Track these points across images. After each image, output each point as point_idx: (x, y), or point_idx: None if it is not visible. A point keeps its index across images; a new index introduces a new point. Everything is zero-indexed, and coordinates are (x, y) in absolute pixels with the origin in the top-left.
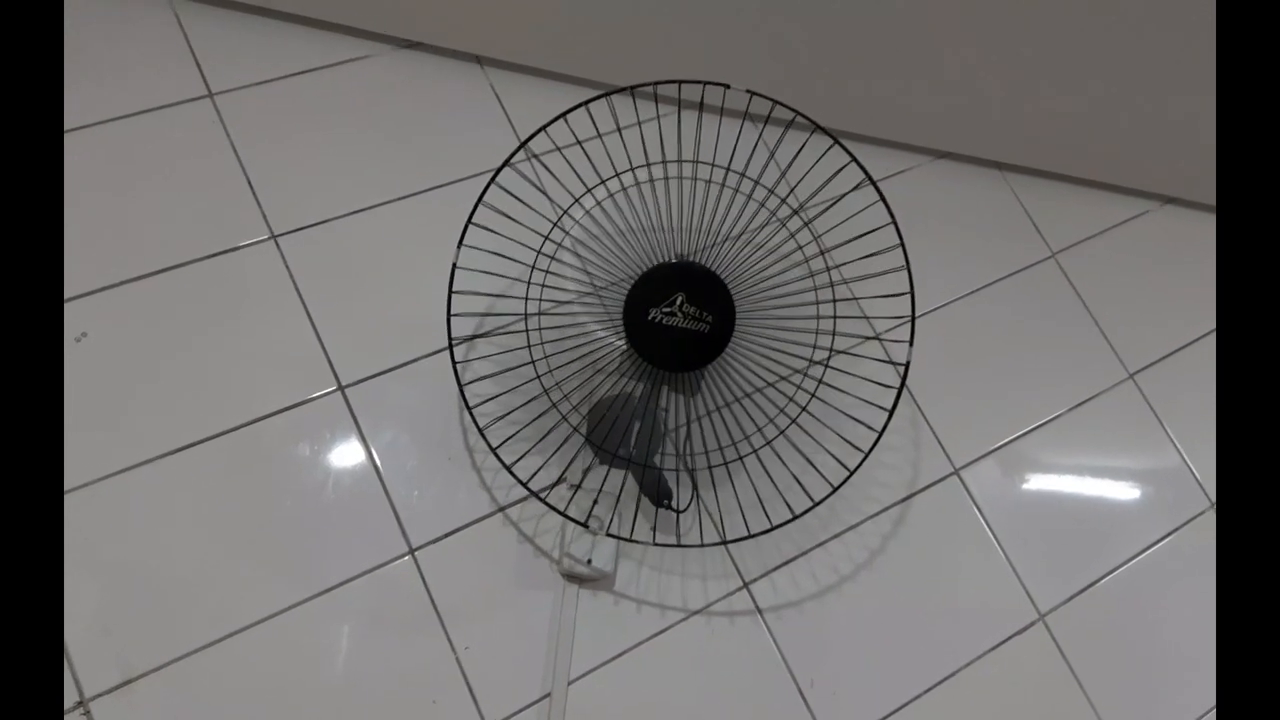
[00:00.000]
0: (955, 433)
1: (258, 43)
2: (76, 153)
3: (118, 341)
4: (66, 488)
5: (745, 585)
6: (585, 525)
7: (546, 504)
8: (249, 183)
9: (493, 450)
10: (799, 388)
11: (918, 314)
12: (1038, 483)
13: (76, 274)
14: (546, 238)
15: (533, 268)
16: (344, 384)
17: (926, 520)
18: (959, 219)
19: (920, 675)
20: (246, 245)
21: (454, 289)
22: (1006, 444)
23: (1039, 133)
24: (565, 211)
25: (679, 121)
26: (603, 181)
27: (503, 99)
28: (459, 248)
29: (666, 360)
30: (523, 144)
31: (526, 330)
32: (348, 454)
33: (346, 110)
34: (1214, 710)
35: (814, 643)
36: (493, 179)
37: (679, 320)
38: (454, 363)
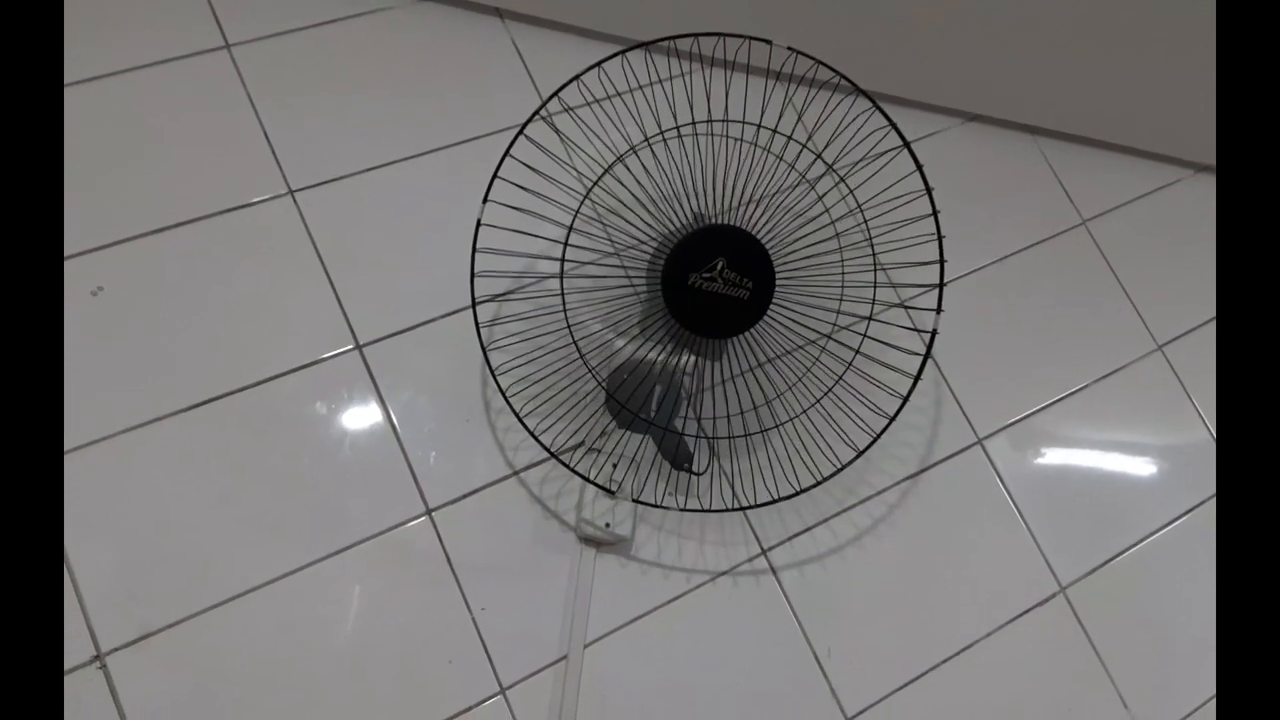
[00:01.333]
0: (979, 402)
1: None
2: (92, 104)
3: (134, 296)
4: (82, 443)
5: (764, 552)
6: (611, 492)
7: (570, 469)
8: (266, 136)
9: (516, 414)
10: (821, 353)
11: (944, 281)
12: (1062, 455)
13: (92, 228)
14: (586, 197)
15: (569, 228)
16: (362, 343)
17: (948, 490)
18: (989, 183)
19: (939, 645)
20: (263, 200)
21: (477, 247)
22: (1031, 415)
23: (1072, 96)
24: (600, 178)
25: (708, 78)
26: (632, 148)
27: (523, 53)
28: (484, 203)
29: (704, 326)
30: (554, 93)
31: (562, 292)
32: (365, 414)
33: (365, 63)
34: None
35: (832, 611)
36: (520, 131)
37: (719, 286)
38: (477, 324)
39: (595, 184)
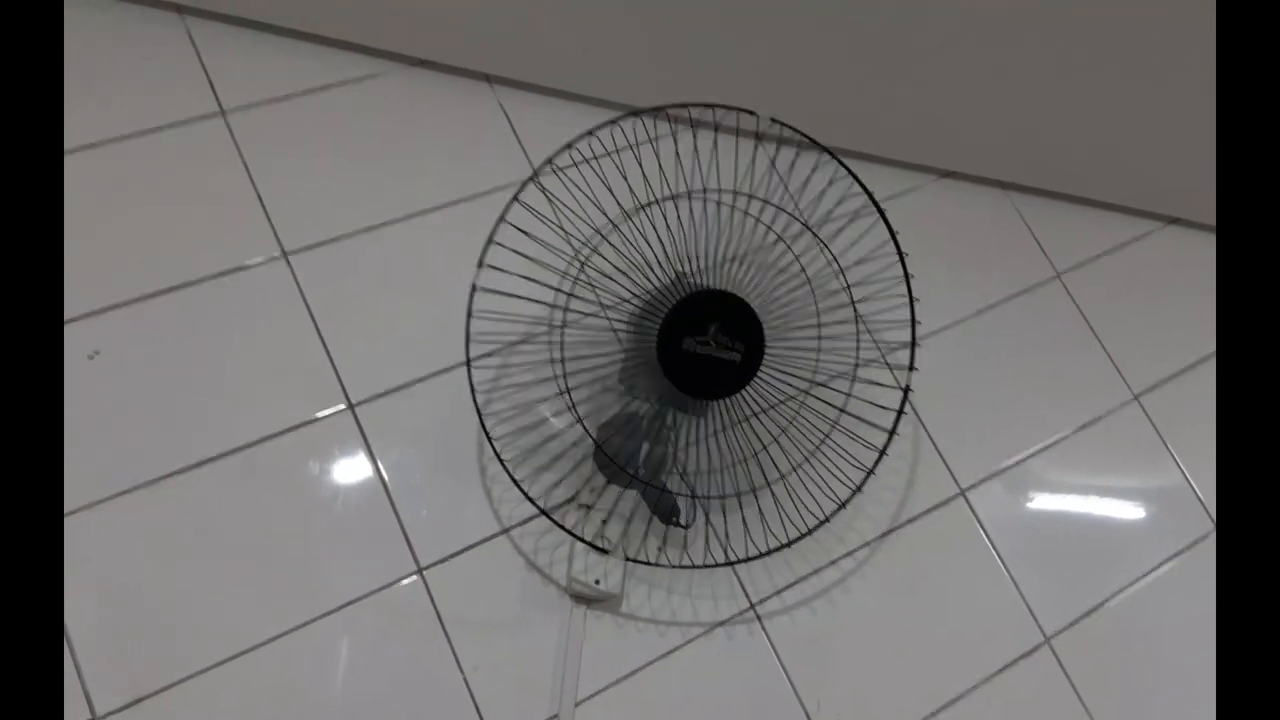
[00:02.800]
0: (960, 453)
1: (269, 60)
2: (90, 170)
3: (130, 359)
4: (77, 506)
5: (752, 606)
6: (605, 551)
7: (564, 528)
8: (260, 200)
9: (511, 477)
10: (800, 407)
11: (923, 334)
12: (1043, 504)
13: (89, 291)
14: (583, 268)
15: (571, 285)
16: (354, 402)
17: (932, 541)
18: (964, 238)
19: (927, 697)
20: (258, 263)
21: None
22: (1012, 465)
23: (1043, 153)
24: (594, 238)
25: (694, 138)
26: (627, 214)
27: (511, 117)
28: (479, 267)
29: (698, 389)
30: (548, 160)
31: (562, 354)
32: (357, 472)
33: (357, 128)
34: None
35: (821, 664)
36: (515, 196)
37: (712, 349)
38: (471, 386)
39: (593, 252)
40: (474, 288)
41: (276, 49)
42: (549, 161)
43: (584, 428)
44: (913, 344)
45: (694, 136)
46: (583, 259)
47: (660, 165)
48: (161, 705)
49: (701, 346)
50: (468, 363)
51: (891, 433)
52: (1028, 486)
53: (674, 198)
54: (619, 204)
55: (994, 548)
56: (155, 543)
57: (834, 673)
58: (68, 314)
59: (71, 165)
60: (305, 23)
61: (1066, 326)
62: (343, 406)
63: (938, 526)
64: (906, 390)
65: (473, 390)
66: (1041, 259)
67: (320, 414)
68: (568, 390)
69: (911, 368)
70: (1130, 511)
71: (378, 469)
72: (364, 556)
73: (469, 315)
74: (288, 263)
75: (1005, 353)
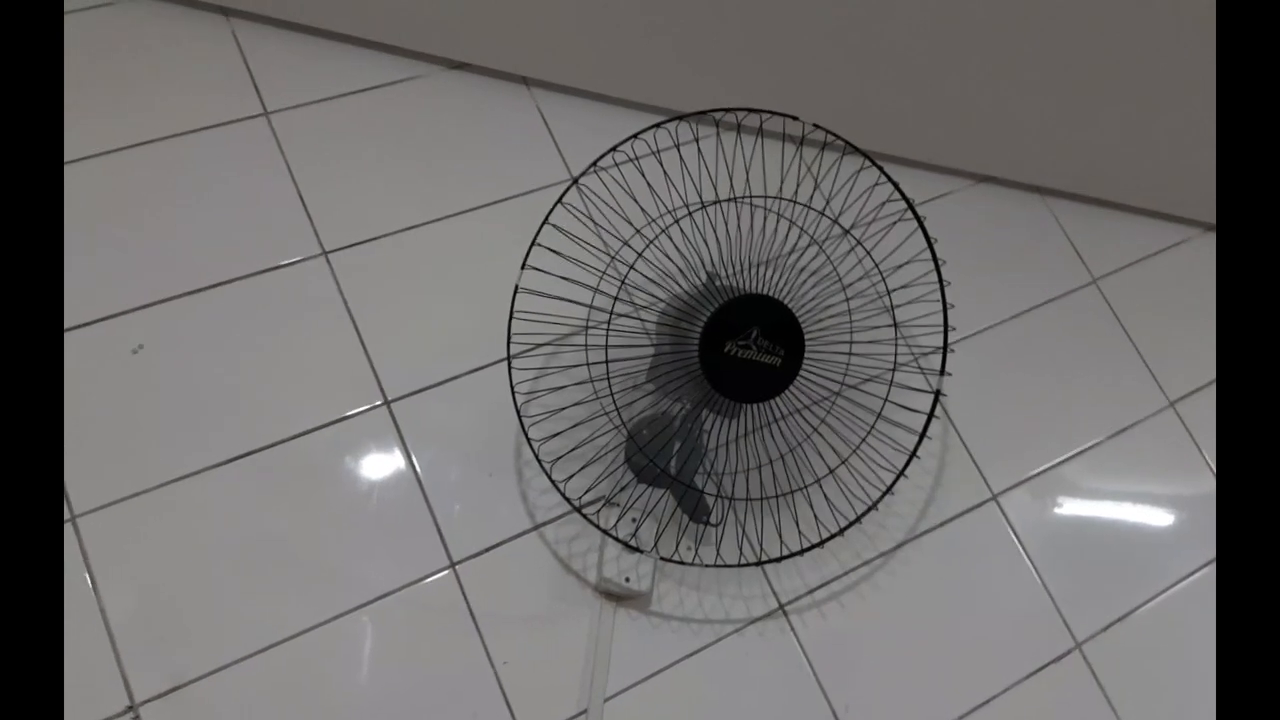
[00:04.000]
0: (993, 459)
1: (312, 62)
2: (136, 169)
3: (172, 354)
4: (117, 497)
5: (781, 607)
6: (639, 550)
7: (599, 528)
8: (301, 200)
9: (547, 473)
10: (831, 408)
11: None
12: (1076, 510)
13: (135, 288)
14: (612, 268)
15: (598, 289)
16: (390, 399)
17: (963, 546)
18: (1000, 243)
19: (956, 701)
20: (298, 261)
21: (508, 309)
22: (1045, 471)
23: (1081, 158)
24: (633, 240)
25: (737, 141)
26: (675, 220)
27: (548, 120)
28: (523, 268)
29: (739, 392)
30: (594, 162)
31: (605, 348)
32: (392, 468)
33: (397, 130)
34: None
35: (849, 667)
36: (560, 199)
37: (753, 353)
38: (512, 385)
39: (637, 256)
40: (516, 288)
41: (319, 51)
42: (594, 164)
43: (622, 424)
44: (944, 349)
45: (738, 140)
46: (622, 261)
47: (704, 168)
48: (197, 694)
49: (743, 350)
50: (508, 361)
51: (921, 436)
52: (1060, 492)
53: (716, 202)
54: (658, 207)
55: (1025, 552)
56: (194, 535)
57: (862, 675)
58: (112, 309)
59: (114, 163)
60: (347, 26)
61: (1102, 332)
62: (379, 403)
63: (969, 530)
64: (937, 395)
65: (513, 389)
66: (1078, 264)
67: (357, 410)
68: (612, 394)
69: (943, 373)
70: (1164, 518)
71: (412, 465)
72: (398, 550)
73: (511, 315)
74: (327, 261)
75: (1040, 358)
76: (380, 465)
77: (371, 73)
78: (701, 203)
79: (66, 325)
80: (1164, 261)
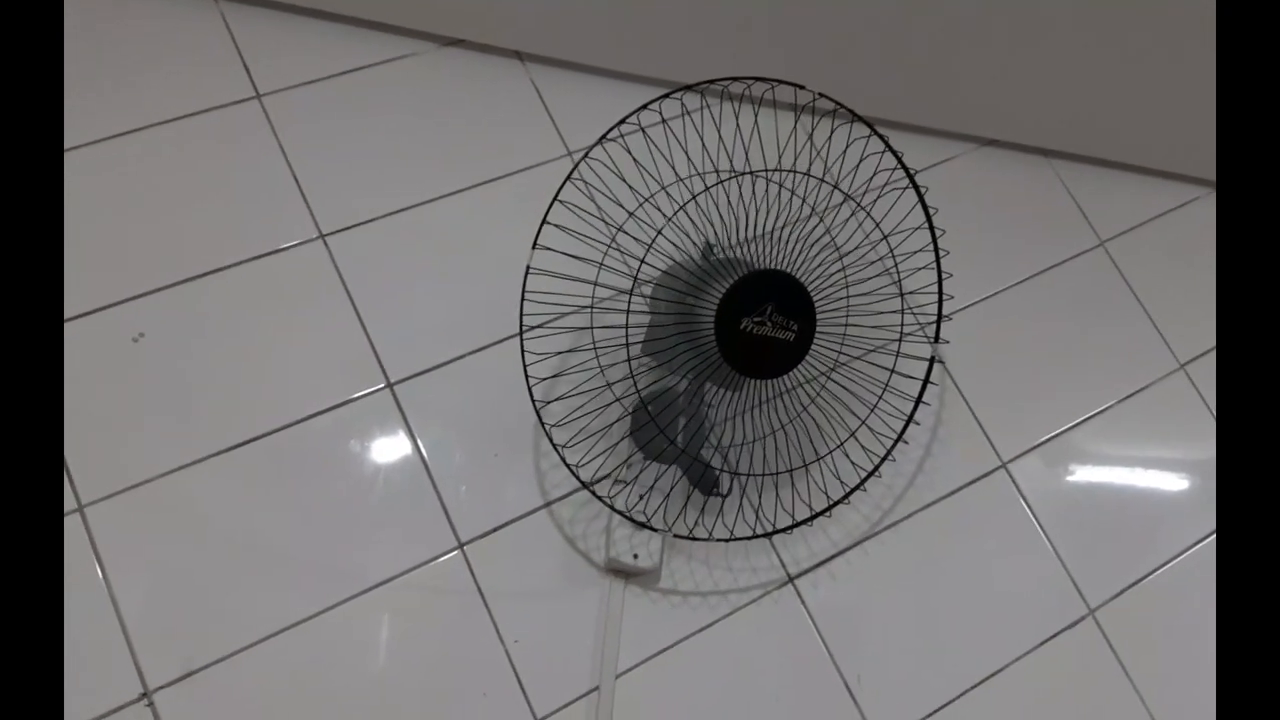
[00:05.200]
0: (1002, 425)
1: (303, 43)
2: (127, 157)
3: (173, 342)
4: (122, 486)
5: (791, 579)
6: (654, 529)
7: (615, 509)
8: (297, 182)
9: (559, 452)
10: (827, 383)
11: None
12: (1087, 476)
13: (133, 276)
14: (615, 243)
15: (603, 263)
16: (392, 381)
17: (973, 514)
18: (1005, 207)
19: (968, 670)
20: (296, 245)
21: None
22: (1054, 437)
23: (1086, 118)
24: (637, 213)
25: (736, 109)
26: (670, 188)
27: (544, 95)
28: (534, 248)
29: (753, 368)
30: (602, 138)
31: (626, 325)
32: (396, 450)
33: (391, 109)
34: None
35: (860, 638)
36: (569, 176)
37: (768, 330)
38: (525, 367)
39: (657, 232)
40: (528, 269)
41: (309, 31)
42: (602, 140)
43: (643, 404)
44: (939, 317)
45: (736, 112)
46: (633, 236)
47: (702, 141)
48: (210, 679)
49: (759, 327)
50: (521, 345)
51: (918, 401)
52: (1070, 458)
53: (734, 175)
54: (659, 179)
55: (1036, 519)
56: (201, 521)
57: (874, 646)
58: (111, 298)
59: (108, 151)
60: (338, 5)
61: (1110, 295)
62: (382, 385)
63: (979, 498)
64: (932, 361)
65: (526, 372)
66: (1085, 226)
67: (360, 393)
68: (633, 376)
69: (937, 339)
70: (1176, 482)
71: (417, 446)
72: (405, 532)
73: (523, 297)
74: (325, 244)
75: (1048, 322)
76: (385, 448)
77: (363, 52)
78: (718, 176)
79: (66, 315)
80: (1173, 221)
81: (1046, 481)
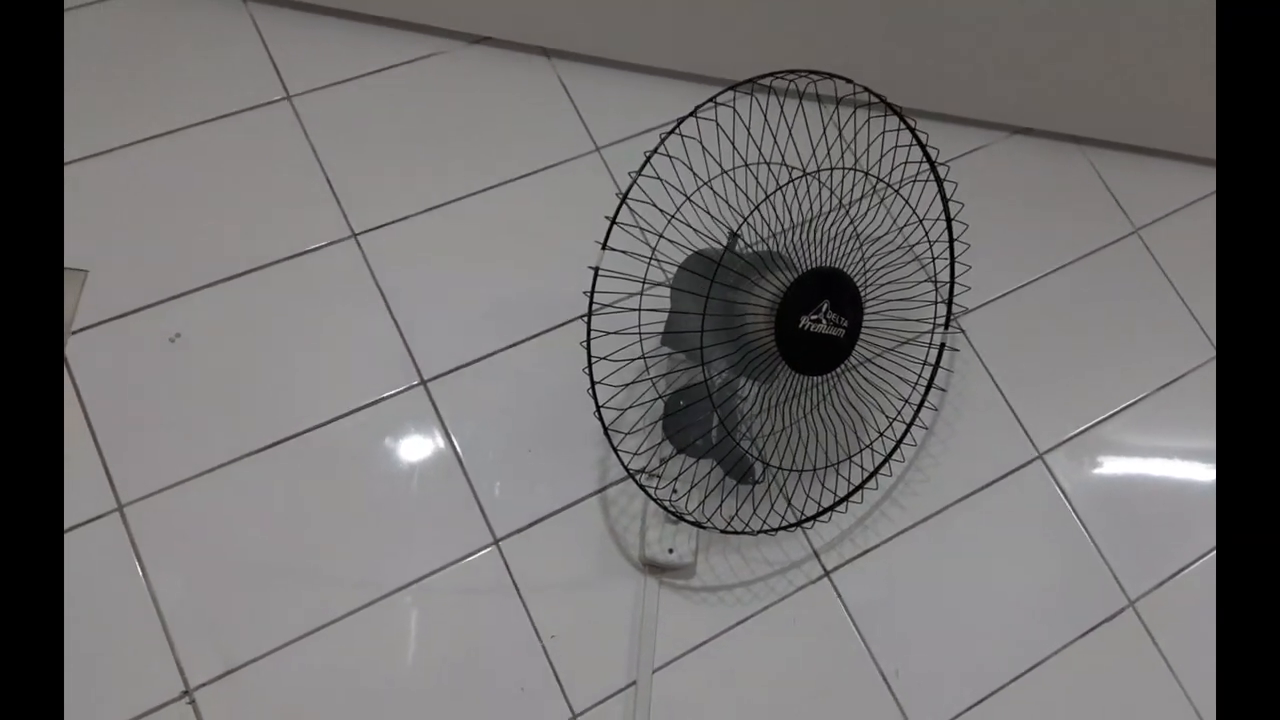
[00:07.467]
0: (1038, 417)
1: (332, 43)
2: (162, 159)
3: (208, 342)
4: (162, 485)
5: (827, 573)
6: (698, 524)
7: (659, 502)
8: (329, 182)
9: (611, 442)
10: (852, 369)
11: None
12: (1124, 466)
13: (170, 278)
14: (736, 233)
15: (649, 259)
16: (426, 378)
17: (1011, 506)
18: (1038, 196)
19: (1008, 663)
20: (328, 244)
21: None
22: (1091, 427)
23: (1118, 105)
24: (685, 208)
25: (764, 103)
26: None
27: (570, 91)
28: (604, 249)
29: (808, 365)
30: (663, 140)
31: (703, 314)
32: (430, 447)
33: (420, 107)
34: None
35: (898, 631)
36: (635, 178)
37: (823, 327)
38: (590, 368)
39: (735, 236)
40: (596, 270)
41: (338, 32)
42: (663, 141)
43: (713, 397)
44: (950, 300)
45: (781, 105)
46: (671, 231)
47: (732, 130)
48: (251, 676)
49: (815, 325)
50: (588, 346)
51: (929, 385)
52: (1107, 448)
53: (804, 175)
54: (701, 175)
55: (1074, 511)
56: (238, 520)
57: (912, 639)
58: (150, 299)
59: (141, 155)
60: (365, 5)
61: (1146, 283)
62: (416, 383)
63: (1016, 490)
64: (942, 347)
65: (590, 371)
66: (1119, 214)
67: (394, 391)
68: (704, 368)
69: (948, 327)
70: (1213, 471)
71: (451, 443)
72: (441, 529)
73: (591, 297)
74: (357, 243)
75: (1082, 312)
76: (420, 445)
77: (392, 51)
78: (790, 175)
79: (105, 317)
80: (1207, 207)
81: (1083, 473)
